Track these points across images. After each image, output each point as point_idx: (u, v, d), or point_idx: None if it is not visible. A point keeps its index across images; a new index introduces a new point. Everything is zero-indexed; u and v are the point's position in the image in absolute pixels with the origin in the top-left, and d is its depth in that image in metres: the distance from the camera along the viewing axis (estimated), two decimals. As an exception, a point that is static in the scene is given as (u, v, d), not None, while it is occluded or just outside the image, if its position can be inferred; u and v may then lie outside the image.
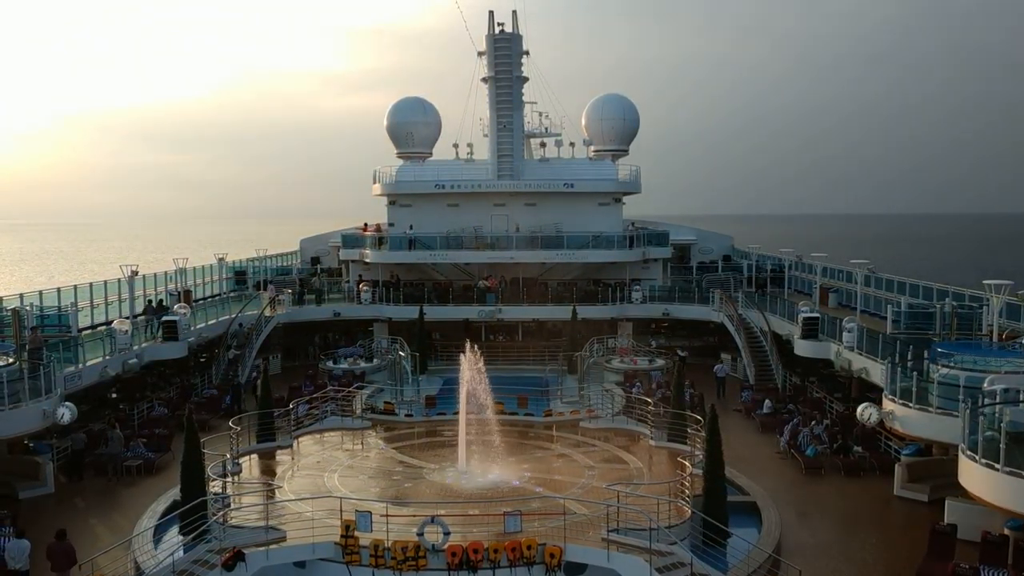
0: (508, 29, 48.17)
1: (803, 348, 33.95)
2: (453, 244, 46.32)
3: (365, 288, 44.48)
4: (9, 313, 28.30)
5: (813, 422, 29.20)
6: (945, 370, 22.51)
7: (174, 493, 24.15)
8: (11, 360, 23.56)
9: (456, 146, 51.05)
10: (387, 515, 18.82)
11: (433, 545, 18.35)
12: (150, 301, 40.09)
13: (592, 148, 52.03)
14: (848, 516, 23.42)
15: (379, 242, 46.96)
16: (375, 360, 39.91)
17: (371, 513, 18.81)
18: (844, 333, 30.90)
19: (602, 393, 34.14)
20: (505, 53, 47.91)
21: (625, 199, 50.34)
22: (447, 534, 18.54)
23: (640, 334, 44.58)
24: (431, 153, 52.31)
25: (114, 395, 33.38)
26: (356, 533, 18.54)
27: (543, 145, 50.93)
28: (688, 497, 20.88)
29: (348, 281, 48.52)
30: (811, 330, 33.60)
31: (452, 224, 47.61)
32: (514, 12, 48.58)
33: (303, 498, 20.72)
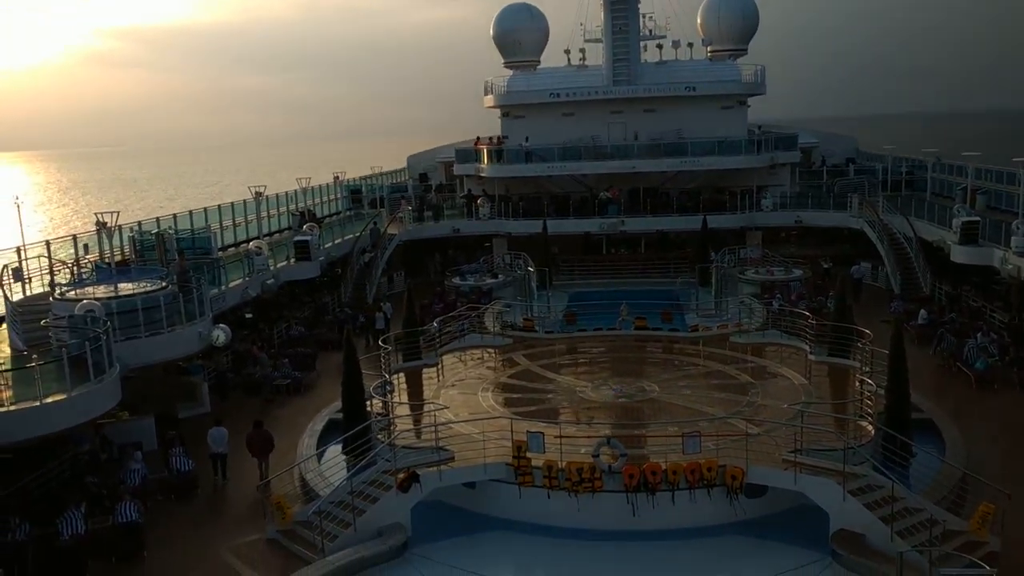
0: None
1: (961, 254, 31.75)
2: (571, 155, 44.87)
3: (484, 203, 43.68)
4: (152, 237, 28.51)
5: (979, 333, 27.34)
6: None
7: (328, 412, 24.36)
8: (165, 284, 23.66)
9: (568, 52, 49.21)
10: (560, 436, 18.30)
11: (610, 467, 17.77)
12: (302, 212, 40.94)
13: (709, 48, 49.42)
14: (1033, 433, 21.91)
15: (498, 155, 45.70)
16: (500, 276, 39.33)
17: (543, 434, 18.30)
18: (1013, 237, 28.63)
19: (740, 306, 32.95)
20: (621, -49, 45.34)
21: (749, 101, 47.82)
22: (624, 455, 17.93)
23: (767, 243, 42.72)
24: (539, 61, 50.70)
25: (249, 316, 33.73)
26: (528, 454, 18.11)
27: (660, 47, 48.47)
28: (871, 415, 19.72)
29: (464, 196, 47.79)
30: (971, 235, 31.36)
31: (568, 134, 46.10)
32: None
33: (475, 418, 20.32)
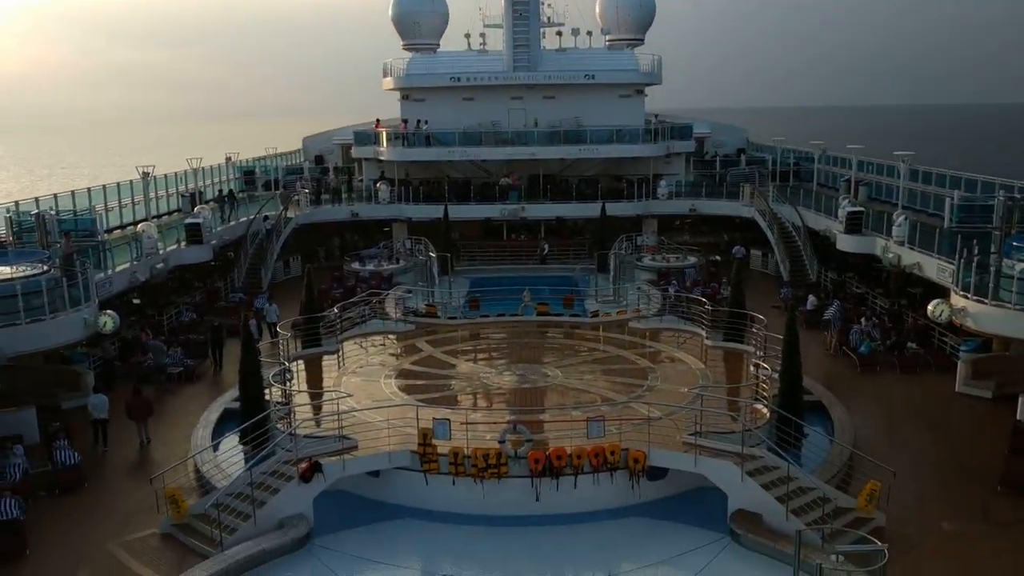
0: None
1: (846, 243, 33.16)
2: (471, 141, 44.65)
3: (383, 187, 43.01)
4: (32, 218, 26.88)
5: (863, 319, 28.65)
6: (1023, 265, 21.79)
7: (224, 401, 23.63)
8: (47, 268, 22.37)
9: (468, 36, 49.00)
10: (466, 422, 18.22)
11: (516, 452, 17.81)
12: (221, 191, 40.91)
13: (608, 38, 49.95)
14: (912, 414, 23.11)
15: (407, 139, 44.86)
16: (400, 261, 38.87)
17: (449, 420, 18.19)
18: (894, 227, 30.05)
19: (637, 292, 33.56)
20: (523, -65, 45.28)
21: (646, 91, 48.56)
22: (529, 441, 18.00)
23: (663, 231, 43.63)
24: (439, 45, 50.21)
25: (137, 301, 32.35)
26: (434, 441, 17.96)
27: (559, 34, 48.71)
28: (766, 398, 20.38)
29: (362, 179, 46.92)
30: (855, 224, 32.75)
31: (468, 119, 45.84)
32: None
33: (379, 406, 20.00)
